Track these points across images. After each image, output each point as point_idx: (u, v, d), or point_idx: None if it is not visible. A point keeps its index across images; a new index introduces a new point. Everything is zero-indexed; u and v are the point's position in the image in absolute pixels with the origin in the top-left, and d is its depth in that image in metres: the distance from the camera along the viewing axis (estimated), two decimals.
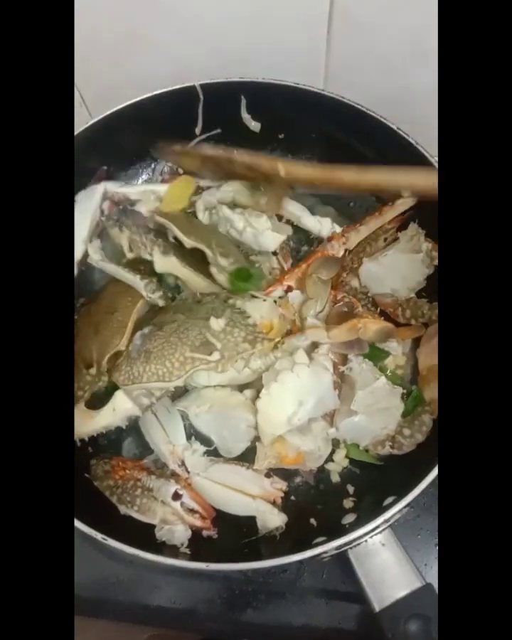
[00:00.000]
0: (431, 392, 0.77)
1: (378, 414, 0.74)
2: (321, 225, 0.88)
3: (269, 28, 0.88)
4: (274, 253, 0.87)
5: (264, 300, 0.79)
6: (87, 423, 0.73)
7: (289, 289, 0.83)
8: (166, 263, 0.79)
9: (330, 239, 0.86)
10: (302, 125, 0.91)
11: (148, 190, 0.90)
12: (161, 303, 0.81)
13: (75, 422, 0.72)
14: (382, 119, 0.84)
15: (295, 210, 0.89)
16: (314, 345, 0.77)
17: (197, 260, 0.81)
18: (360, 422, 0.74)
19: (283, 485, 0.75)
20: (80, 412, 0.74)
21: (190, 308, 0.78)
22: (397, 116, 0.83)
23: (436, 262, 0.82)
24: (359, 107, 0.84)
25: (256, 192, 0.87)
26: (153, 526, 0.72)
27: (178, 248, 0.81)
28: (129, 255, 0.81)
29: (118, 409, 0.74)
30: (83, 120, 0.86)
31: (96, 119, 0.87)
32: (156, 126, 0.92)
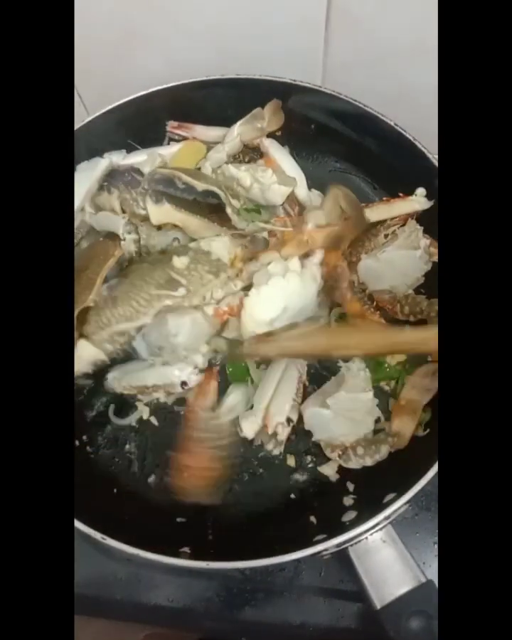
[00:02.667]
0: (400, 424, 0.75)
1: (346, 422, 0.74)
2: (310, 200, 0.87)
3: (267, 26, 0.88)
4: None
5: (220, 235, 0.79)
6: None
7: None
8: (161, 212, 0.78)
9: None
10: (299, 122, 0.91)
11: (153, 153, 0.89)
12: (132, 247, 0.80)
13: None
14: (380, 116, 0.84)
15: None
16: (306, 254, 0.78)
17: (192, 204, 0.80)
18: (326, 417, 0.73)
19: None
20: None
21: (155, 257, 0.79)
22: (396, 114, 0.83)
23: (434, 259, 0.82)
24: (356, 102, 0.84)
25: (257, 120, 0.88)
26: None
27: (170, 196, 0.79)
28: (123, 217, 0.80)
29: (82, 356, 0.73)
30: (80, 117, 0.86)
31: (93, 116, 0.87)
32: (154, 124, 0.92)
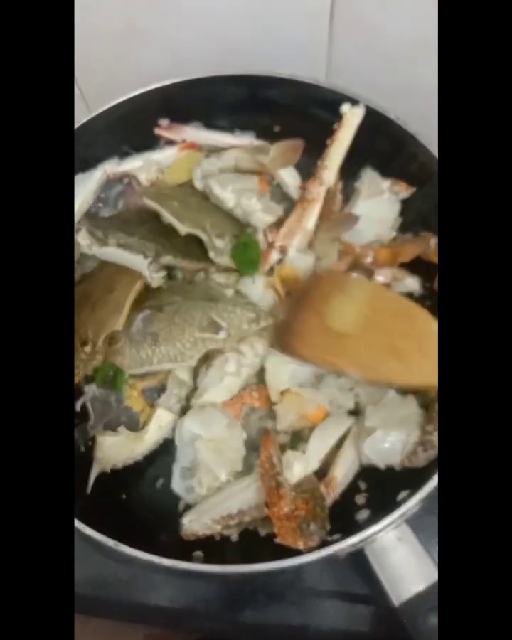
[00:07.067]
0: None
1: (398, 424, 0.69)
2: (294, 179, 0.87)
3: (271, 21, 0.88)
4: None
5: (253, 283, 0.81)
6: (140, 445, 0.76)
7: (284, 249, 0.82)
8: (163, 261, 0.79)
9: (303, 187, 0.85)
10: (297, 117, 0.89)
11: (150, 161, 0.89)
12: (160, 283, 0.80)
13: (128, 449, 0.76)
14: (382, 111, 0.83)
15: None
16: None
17: (191, 241, 0.81)
18: (383, 436, 0.69)
19: None
20: (129, 439, 0.76)
21: (184, 288, 0.80)
22: (399, 109, 0.82)
23: (400, 196, 0.84)
24: (354, 96, 0.83)
25: (259, 154, 0.85)
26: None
27: (166, 236, 0.80)
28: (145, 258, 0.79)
29: (163, 425, 0.77)
30: (82, 114, 0.85)
31: (95, 114, 0.86)
32: (155, 120, 0.91)
